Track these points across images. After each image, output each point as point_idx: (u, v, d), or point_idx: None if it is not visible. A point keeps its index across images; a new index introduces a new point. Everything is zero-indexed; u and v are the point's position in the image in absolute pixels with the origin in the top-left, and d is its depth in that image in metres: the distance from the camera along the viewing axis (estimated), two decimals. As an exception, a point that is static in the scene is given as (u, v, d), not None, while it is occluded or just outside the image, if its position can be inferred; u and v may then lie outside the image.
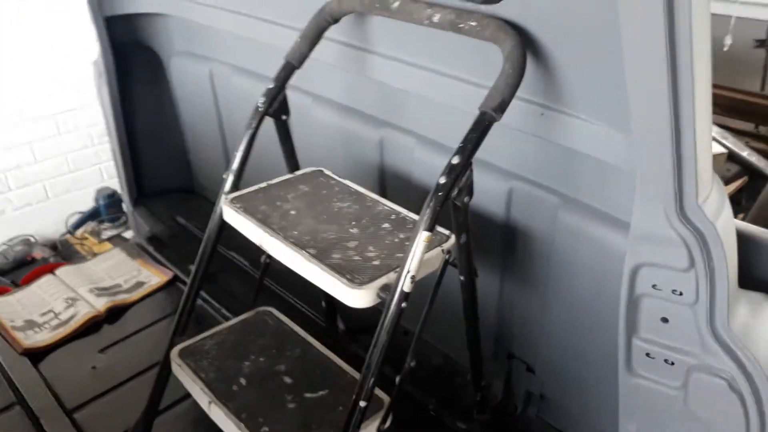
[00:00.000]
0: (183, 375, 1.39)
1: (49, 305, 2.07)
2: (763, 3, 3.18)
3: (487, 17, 1.14)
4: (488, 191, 1.44)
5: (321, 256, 1.20)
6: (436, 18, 1.21)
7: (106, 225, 3.53)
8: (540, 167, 1.36)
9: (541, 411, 1.62)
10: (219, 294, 2.07)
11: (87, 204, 3.55)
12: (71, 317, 2.00)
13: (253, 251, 1.81)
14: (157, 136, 2.58)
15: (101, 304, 2.05)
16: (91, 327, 2.00)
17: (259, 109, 1.42)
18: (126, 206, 2.69)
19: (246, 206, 1.37)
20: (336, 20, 1.43)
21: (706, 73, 0.77)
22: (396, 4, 1.28)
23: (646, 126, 0.83)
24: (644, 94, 0.81)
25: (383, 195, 1.74)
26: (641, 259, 0.94)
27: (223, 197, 1.41)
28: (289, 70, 1.43)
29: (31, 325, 1.98)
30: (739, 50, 3.15)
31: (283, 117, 1.48)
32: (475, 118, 1.09)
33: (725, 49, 3.18)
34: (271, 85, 1.43)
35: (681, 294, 0.93)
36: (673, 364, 0.99)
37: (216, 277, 2.15)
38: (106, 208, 3.50)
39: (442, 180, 1.07)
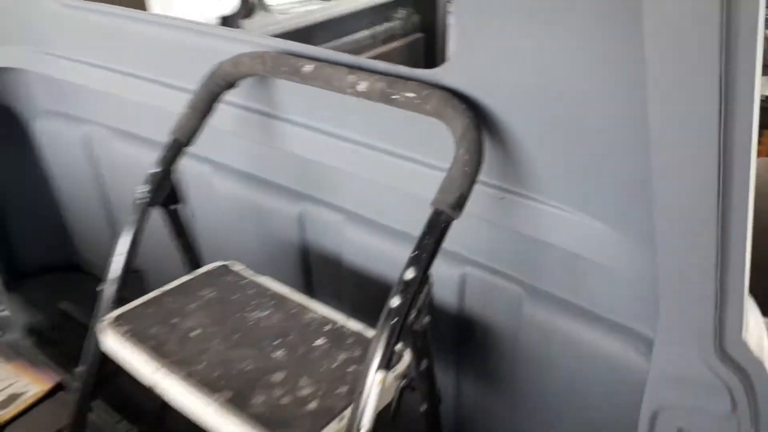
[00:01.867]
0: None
1: None
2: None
3: (427, 87, 0.91)
4: (437, 277, 1.21)
5: (239, 401, 0.91)
6: (361, 86, 0.96)
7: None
8: (498, 252, 1.13)
9: None
10: (117, 400, 1.70)
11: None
12: None
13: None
14: (29, 209, 2.16)
15: (-40, 434, 1.63)
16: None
17: (141, 201, 1.11)
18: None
19: (134, 329, 1.05)
20: (231, 85, 1.15)
21: (752, 183, 0.58)
22: (309, 68, 1.03)
23: (681, 244, 0.63)
24: (680, 202, 0.61)
25: (307, 282, 1.47)
26: (665, 402, 0.73)
27: (100, 319, 1.09)
28: (176, 149, 1.14)
29: None
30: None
31: (173, 206, 1.17)
32: (429, 219, 0.85)
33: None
34: (154, 169, 1.12)
35: (717, 440, 0.72)
36: None
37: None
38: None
39: (395, 302, 0.82)
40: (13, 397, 1.79)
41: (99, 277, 2.39)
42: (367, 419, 0.81)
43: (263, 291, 1.16)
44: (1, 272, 2.15)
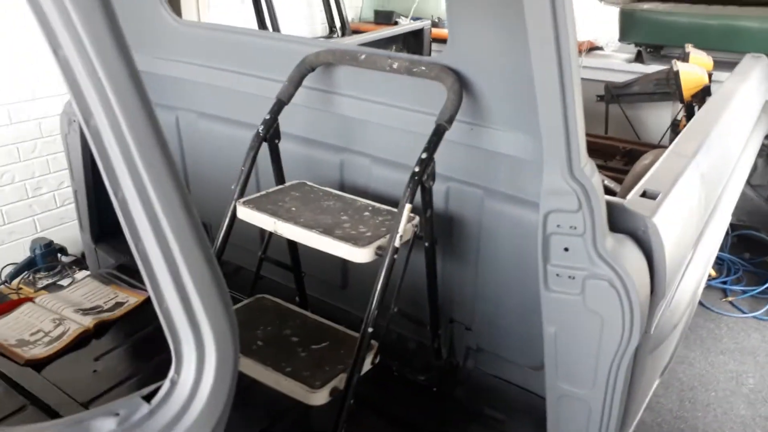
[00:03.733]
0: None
1: (37, 326, 2.26)
2: (600, 68, 4.13)
3: (432, 64, 1.69)
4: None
5: (327, 232, 1.64)
6: (395, 65, 1.74)
7: (42, 274, 3.62)
8: (468, 170, 1.90)
9: (479, 362, 2.12)
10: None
11: (20, 256, 3.63)
12: (62, 333, 2.22)
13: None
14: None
15: (88, 321, 2.28)
16: (82, 342, 2.22)
17: (260, 135, 1.86)
18: (86, 244, 2.91)
19: (256, 205, 1.78)
20: (313, 69, 1.92)
21: (579, 99, 1.35)
22: (363, 57, 1.81)
23: (550, 125, 1.39)
24: (549, 109, 1.37)
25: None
26: (549, 207, 1.48)
27: (234, 202, 1.81)
28: (280, 105, 1.89)
29: (24, 343, 2.17)
30: (585, 104, 4.02)
31: (276, 141, 1.92)
32: (434, 129, 1.62)
33: (576, 103, 4.05)
34: (267, 116, 1.87)
35: (575, 228, 1.48)
36: (574, 278, 1.52)
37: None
38: (43, 258, 3.60)
39: (416, 169, 1.57)
40: (118, 304, 2.46)
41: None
42: (401, 228, 1.54)
43: (328, 193, 1.91)
44: (93, 228, 2.84)
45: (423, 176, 1.58)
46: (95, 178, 2.74)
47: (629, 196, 1.73)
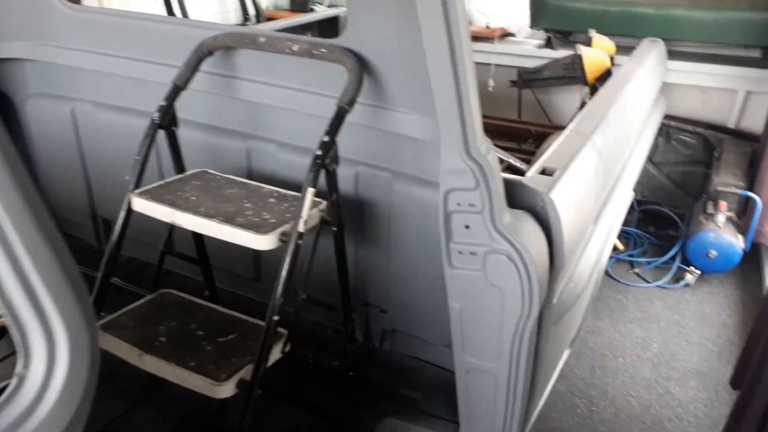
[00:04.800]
0: (109, 342, 1.65)
1: None
2: (513, 54, 4.23)
3: (333, 46, 1.67)
4: (340, 176, 1.94)
5: (229, 221, 1.59)
6: (295, 48, 1.71)
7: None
8: (375, 153, 1.90)
9: (395, 344, 2.13)
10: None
11: None
12: (-50, 343, 2.06)
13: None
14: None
15: (-20, 328, 2.13)
16: (-28, 350, 2.07)
17: (155, 122, 1.78)
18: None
19: (153, 196, 1.71)
20: (211, 53, 1.86)
21: (472, 80, 1.37)
22: (262, 39, 1.76)
23: (445, 106, 1.40)
24: (442, 90, 1.38)
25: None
26: (448, 186, 1.50)
27: (129, 193, 1.73)
28: (176, 91, 1.82)
29: None
30: (499, 89, 4.13)
31: (173, 128, 1.85)
32: (335, 111, 1.60)
33: (490, 89, 4.15)
34: (162, 103, 1.80)
35: (474, 206, 1.50)
36: (475, 254, 1.55)
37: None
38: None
39: (319, 152, 1.55)
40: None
41: (65, 231, 2.94)
42: (305, 212, 1.52)
43: (232, 181, 1.86)
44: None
45: (325, 159, 1.56)
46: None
47: (528, 174, 1.77)
